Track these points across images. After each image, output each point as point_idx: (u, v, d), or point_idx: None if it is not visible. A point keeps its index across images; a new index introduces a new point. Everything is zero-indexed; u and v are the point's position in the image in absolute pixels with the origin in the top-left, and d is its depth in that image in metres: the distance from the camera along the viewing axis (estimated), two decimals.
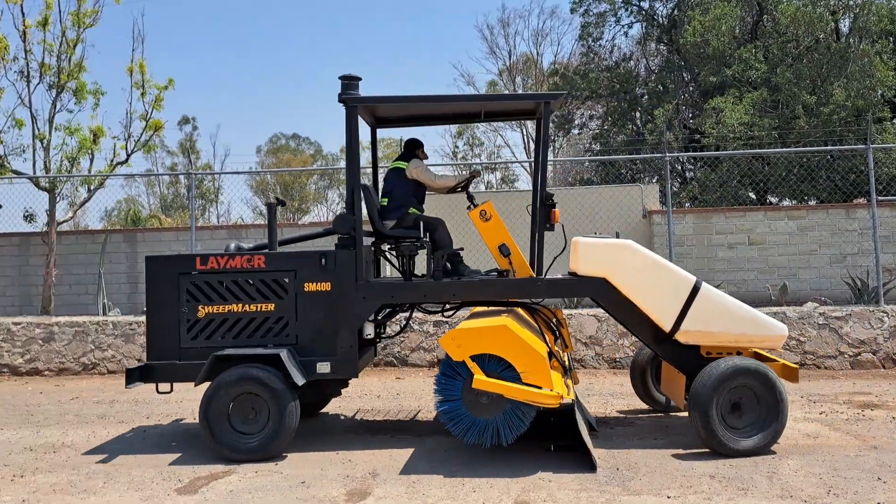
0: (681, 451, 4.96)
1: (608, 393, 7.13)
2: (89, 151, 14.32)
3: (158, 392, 5.57)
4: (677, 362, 5.31)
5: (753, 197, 17.82)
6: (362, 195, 5.61)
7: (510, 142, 48.85)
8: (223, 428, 5.07)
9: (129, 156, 15.17)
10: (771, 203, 17.42)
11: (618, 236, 5.90)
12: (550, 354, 5.19)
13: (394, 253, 5.96)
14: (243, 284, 5.47)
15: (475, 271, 5.91)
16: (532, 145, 36.64)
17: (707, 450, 4.88)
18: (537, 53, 36.51)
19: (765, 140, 16.64)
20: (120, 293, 15.70)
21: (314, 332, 5.39)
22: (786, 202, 17.22)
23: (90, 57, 14.36)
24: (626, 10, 23.51)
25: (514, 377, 4.76)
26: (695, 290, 5.18)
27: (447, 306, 6.23)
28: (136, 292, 15.72)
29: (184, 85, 58.18)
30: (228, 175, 48.14)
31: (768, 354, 5.55)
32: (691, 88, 21.13)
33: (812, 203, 15.80)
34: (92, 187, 14.71)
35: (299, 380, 5.11)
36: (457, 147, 43.67)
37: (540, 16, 73.61)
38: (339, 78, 5.49)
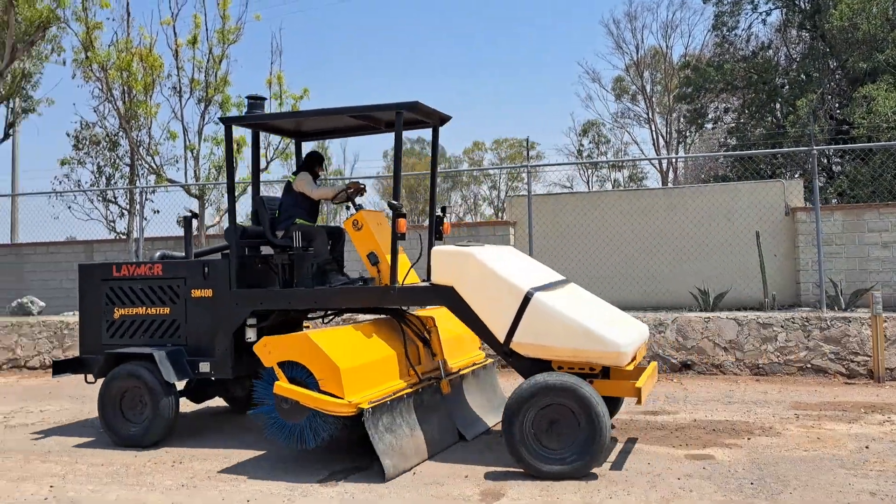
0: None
1: (751, 401, 6.74)
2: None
3: (87, 382, 6.25)
4: (525, 375, 4.98)
5: None
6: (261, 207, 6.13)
7: (638, 139, 47.31)
8: (115, 418, 5.77)
9: (268, 163, 16.05)
10: None
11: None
12: (410, 362, 5.46)
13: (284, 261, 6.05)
14: (146, 290, 6.14)
15: (348, 280, 6.01)
16: (661, 142, 35.41)
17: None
18: (666, 46, 35.19)
19: None
20: None
21: (200, 335, 5.91)
22: None
23: (233, 71, 15.25)
24: None
25: (315, 385, 4.86)
26: (525, 301, 4.95)
27: (328, 314, 6.46)
28: None
29: (315, 94, 60.92)
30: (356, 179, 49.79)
31: (622, 370, 5.07)
32: (838, 76, 19.62)
33: None
34: (237, 193, 15.71)
35: (172, 378, 5.64)
36: (582, 145, 43.00)
37: (669, 7, 71.15)
38: (246, 97, 6.14)
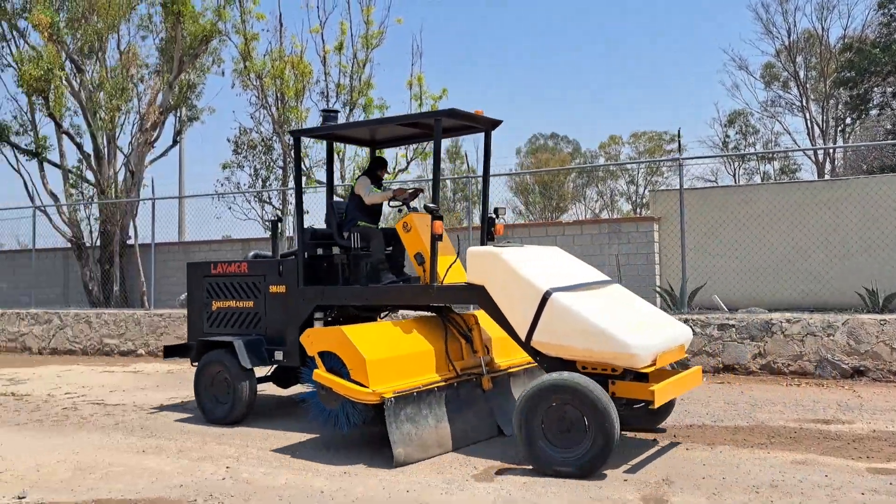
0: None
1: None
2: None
3: (193, 365, 6.87)
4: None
5: None
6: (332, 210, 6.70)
7: (790, 128, 44.18)
8: (206, 397, 6.56)
9: (408, 164, 16.50)
10: None
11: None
12: (449, 358, 5.72)
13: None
14: (236, 286, 6.90)
15: (396, 279, 6.34)
16: (817, 131, 32.84)
17: None
18: (822, 28, 32.58)
19: None
20: None
21: (276, 326, 6.57)
22: None
23: (376, 74, 15.77)
24: None
25: (346, 374, 5.26)
26: (544, 300, 5.06)
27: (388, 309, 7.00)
28: None
29: (455, 94, 61.87)
30: (492, 178, 50.07)
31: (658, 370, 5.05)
32: None
33: None
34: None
35: (247, 364, 6.33)
36: (728, 137, 40.76)
37: None
38: (321, 110, 6.67)
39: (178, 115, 18.98)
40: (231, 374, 6.39)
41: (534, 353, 5.22)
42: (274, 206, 16.62)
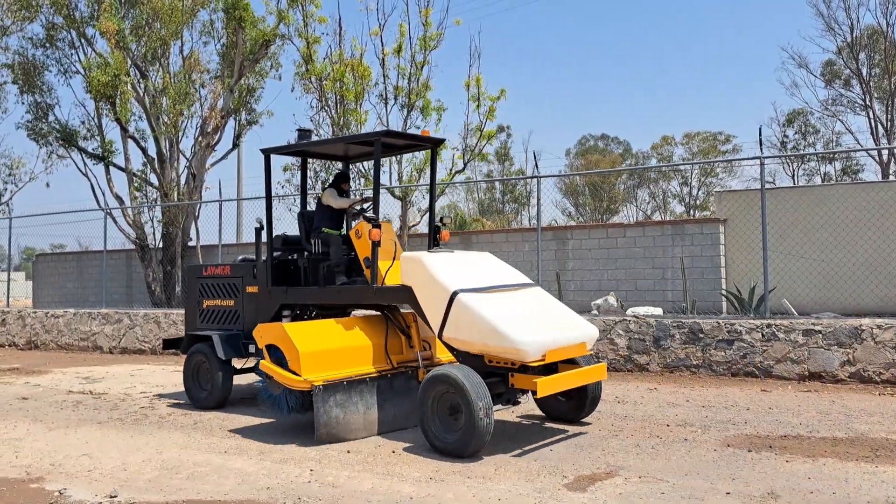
0: None
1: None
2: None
3: (183, 355, 7.81)
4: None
5: None
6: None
7: (852, 127, 42.67)
8: (191, 383, 7.45)
9: (465, 164, 16.39)
10: None
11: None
12: (388, 352, 6.40)
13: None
14: (221, 286, 7.75)
15: (348, 281, 6.89)
16: (881, 130, 31.62)
17: None
18: (887, 24, 31.35)
19: None
20: None
21: (251, 322, 7.18)
22: None
23: (433, 76, 15.73)
24: None
25: (286, 364, 5.96)
26: (451, 300, 5.59)
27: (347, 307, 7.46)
28: None
29: (514, 94, 61.70)
30: (542, 179, 49.78)
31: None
32: None
33: None
34: (435, 194, 16.18)
35: (223, 355, 7.15)
36: (786, 136, 39.56)
37: None
38: (296, 129, 7.44)
39: (238, 119, 19.28)
40: (211, 363, 7.28)
41: (448, 347, 5.84)
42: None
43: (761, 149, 8.40)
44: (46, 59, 18.90)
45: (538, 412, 6.52)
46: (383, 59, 15.55)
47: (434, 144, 7.20)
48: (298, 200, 9.46)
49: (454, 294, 5.58)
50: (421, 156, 15.66)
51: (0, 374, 10.15)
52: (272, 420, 6.64)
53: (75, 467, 5.17)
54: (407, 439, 5.76)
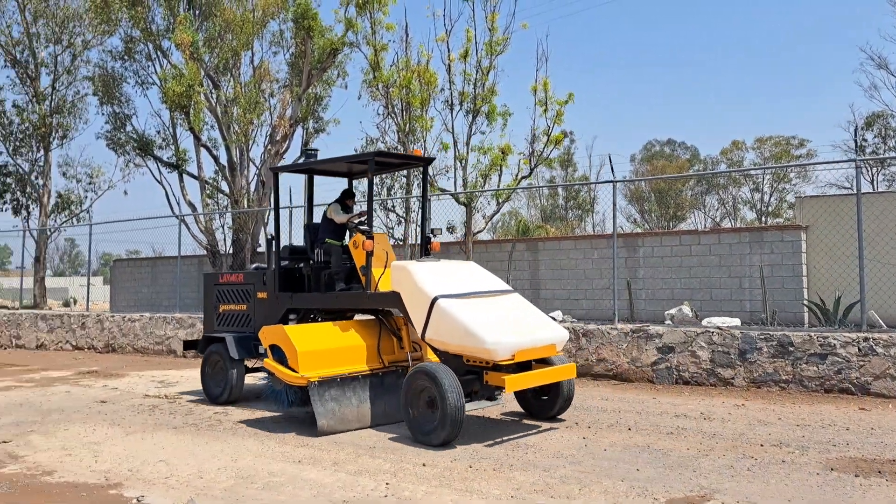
0: None
1: None
2: (498, 168, 15.56)
3: (200, 356, 8.43)
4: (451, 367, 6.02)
5: None
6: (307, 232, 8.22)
7: None
8: (208, 381, 8.09)
9: (532, 170, 16.11)
10: None
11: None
12: (380, 352, 7.00)
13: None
14: (235, 292, 8.49)
15: (346, 287, 7.52)
16: None
17: None
18: None
19: None
20: (524, 298, 16.74)
21: (261, 324, 7.56)
22: None
23: (499, 81, 15.52)
24: None
25: (286, 362, 6.59)
26: (432, 304, 6.14)
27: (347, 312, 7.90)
28: (539, 298, 16.59)
29: (582, 98, 60.98)
30: (601, 185, 49.00)
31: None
32: None
33: None
34: (500, 200, 15.96)
35: (235, 355, 7.81)
36: (865, 140, 37.73)
37: None
38: (302, 149, 7.88)
39: (306, 127, 19.54)
40: (225, 362, 7.88)
41: (431, 347, 6.35)
42: (398, 215, 16.68)
43: (857, 151, 7.90)
44: (124, 72, 19.61)
45: (602, 431, 6.22)
46: (449, 65, 15.46)
47: (425, 163, 7.94)
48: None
49: (434, 299, 6.18)
50: (487, 160, 15.50)
51: (80, 377, 10.42)
52: (344, 431, 6.55)
53: (152, 474, 5.17)
54: (482, 454, 5.57)
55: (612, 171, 9.87)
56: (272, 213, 7.94)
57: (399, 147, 16.73)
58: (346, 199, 8.09)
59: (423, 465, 5.27)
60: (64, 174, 22.05)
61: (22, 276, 18.47)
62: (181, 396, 8.53)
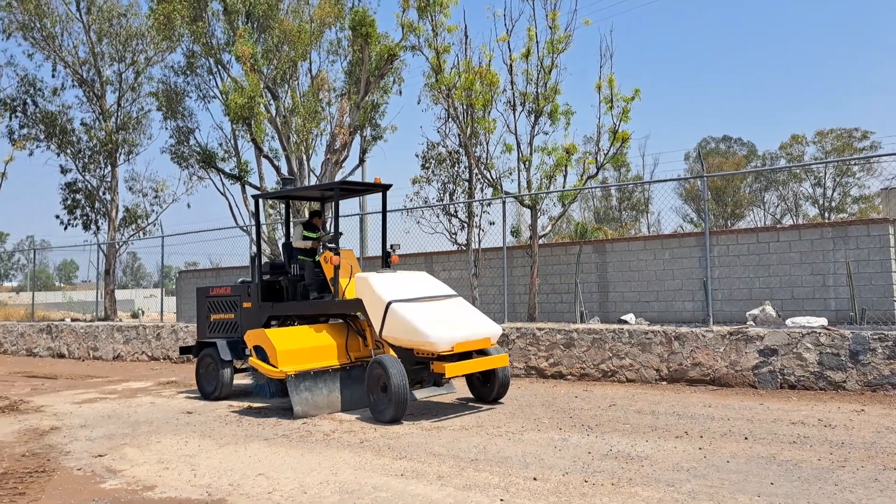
0: None
1: None
2: (563, 168, 15.19)
3: (193, 360, 9.94)
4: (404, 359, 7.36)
5: None
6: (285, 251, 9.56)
7: None
8: (202, 381, 9.27)
9: (598, 170, 15.68)
10: None
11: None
12: (348, 349, 8.27)
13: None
14: (224, 303, 9.70)
15: (318, 296, 8.75)
16: None
17: None
18: None
19: None
20: (592, 301, 16.33)
21: (247, 330, 8.66)
22: None
23: (562, 80, 15.16)
24: None
25: (267, 360, 7.80)
26: (387, 308, 7.36)
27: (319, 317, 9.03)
28: (607, 301, 16.15)
29: (648, 94, 59.89)
30: (657, 185, 48.02)
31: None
32: None
33: None
34: (566, 202, 15.58)
35: (226, 357, 9.00)
36: None
37: None
38: (279, 178, 9.14)
39: (363, 135, 19.49)
40: (217, 364, 9.02)
41: (387, 343, 7.57)
42: (460, 219, 16.46)
43: None
44: (187, 86, 19.89)
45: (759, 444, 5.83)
46: (511, 65, 15.18)
47: (384, 189, 8.99)
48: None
49: (389, 303, 7.45)
50: (551, 161, 15.14)
51: (161, 388, 10.46)
52: (430, 435, 6.32)
53: (254, 488, 5.02)
54: (595, 467, 5.26)
55: (703, 165, 9.46)
56: (254, 235, 9.28)
57: (460, 150, 16.56)
58: (312, 218, 9.54)
59: (534, 479, 5.00)
60: (130, 189, 22.49)
61: (98, 290, 18.85)
62: (265, 407, 8.44)
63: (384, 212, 9.35)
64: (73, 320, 19.15)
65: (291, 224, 11.24)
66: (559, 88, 15.29)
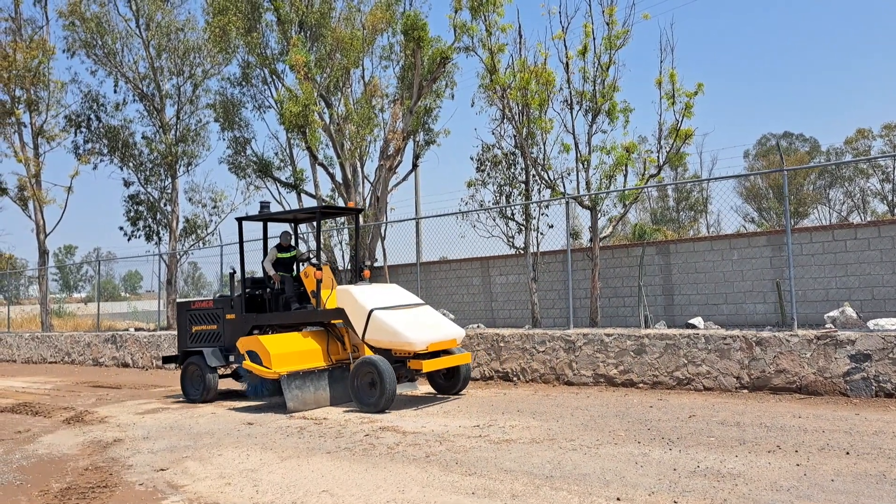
0: None
1: None
2: (623, 167, 14.66)
3: (177, 368, 10.97)
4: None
5: None
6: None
7: None
8: (187, 385, 10.13)
9: (660, 168, 15.09)
10: None
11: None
12: (329, 353, 9.52)
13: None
14: (206, 315, 10.62)
15: (300, 307, 9.81)
16: None
17: None
18: None
19: None
20: (656, 305, 15.72)
21: (230, 339, 10.00)
22: None
23: (621, 76, 14.65)
24: None
25: (260, 362, 8.88)
26: (369, 315, 8.72)
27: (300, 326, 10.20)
28: (672, 304, 15.53)
29: (712, 88, 58.44)
30: (716, 183, 46.63)
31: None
32: None
33: None
34: (627, 202, 15.04)
35: (212, 363, 9.95)
36: None
37: None
38: (260, 202, 10.48)
39: (416, 140, 19.32)
40: (203, 370, 9.91)
41: (369, 346, 8.75)
42: (517, 222, 16.07)
43: None
44: (242, 97, 20.09)
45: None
46: (567, 63, 14.74)
47: (356, 212, 10.53)
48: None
49: (371, 311, 8.70)
50: (610, 160, 14.64)
51: (221, 398, 10.42)
52: (499, 449, 5.99)
53: None
54: (683, 486, 4.84)
55: (782, 159, 8.87)
56: (238, 254, 10.29)
57: (517, 151, 16.20)
58: (282, 241, 10.52)
59: (618, 499, 4.62)
60: (190, 199, 22.85)
61: (160, 299, 19.17)
62: (324, 419, 8.25)
63: (357, 234, 11.57)
64: (136, 330, 19.50)
65: (269, 245, 11.97)
66: (617, 86, 14.79)
